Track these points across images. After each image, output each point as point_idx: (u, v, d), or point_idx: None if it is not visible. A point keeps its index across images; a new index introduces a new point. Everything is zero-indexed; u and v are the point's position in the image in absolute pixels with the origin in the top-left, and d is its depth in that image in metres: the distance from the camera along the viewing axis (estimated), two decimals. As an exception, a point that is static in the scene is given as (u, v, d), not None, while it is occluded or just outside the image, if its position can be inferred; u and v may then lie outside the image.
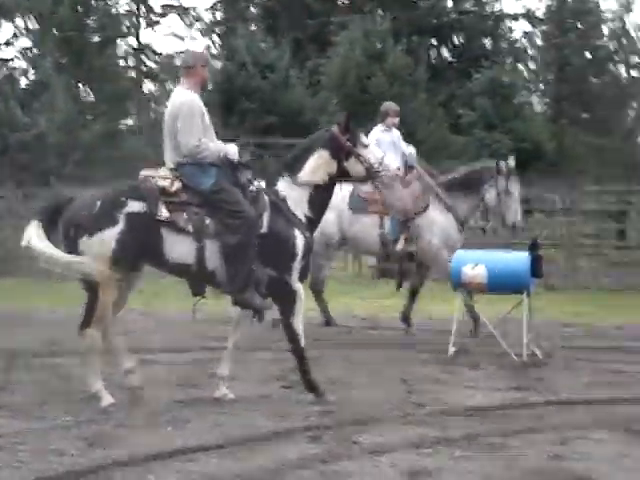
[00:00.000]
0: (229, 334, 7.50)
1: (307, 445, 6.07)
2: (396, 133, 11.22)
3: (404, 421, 6.70)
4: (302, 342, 7.24)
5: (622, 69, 51.52)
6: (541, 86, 45.09)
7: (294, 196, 7.33)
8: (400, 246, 10.68)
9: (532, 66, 45.31)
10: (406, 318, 11.13)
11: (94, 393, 7.01)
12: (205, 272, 7.09)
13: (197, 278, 7.20)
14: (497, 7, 43.93)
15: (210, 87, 38.59)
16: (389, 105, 11.59)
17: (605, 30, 46.02)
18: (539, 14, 43.75)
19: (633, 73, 52.51)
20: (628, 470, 5.60)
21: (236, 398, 7.34)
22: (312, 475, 5.43)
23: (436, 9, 41.59)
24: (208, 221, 7.04)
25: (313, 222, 7.46)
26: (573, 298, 14.70)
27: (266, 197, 7.27)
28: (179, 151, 7.17)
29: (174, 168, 7.20)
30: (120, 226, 6.87)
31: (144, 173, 7.22)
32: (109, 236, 6.87)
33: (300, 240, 7.22)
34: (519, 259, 9.32)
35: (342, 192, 10.55)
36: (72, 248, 6.94)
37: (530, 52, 45.52)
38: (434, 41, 42.13)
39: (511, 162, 10.79)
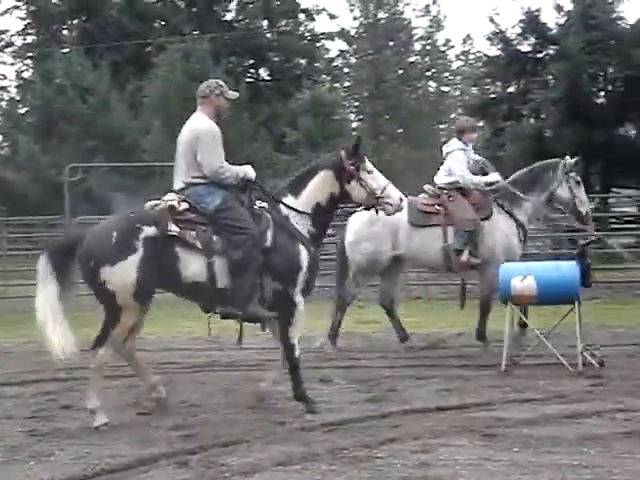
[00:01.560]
0: None
1: (175, 471, 6.04)
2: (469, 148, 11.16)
3: (268, 440, 6.73)
4: (297, 353, 7.64)
5: (433, 85, 53.33)
6: (356, 103, 46.19)
7: (296, 213, 7.68)
8: (464, 258, 10.55)
9: (348, 84, 46.34)
10: (482, 335, 10.82)
11: (90, 410, 7.25)
12: (216, 289, 7.37)
13: (209, 297, 7.48)
14: (311, 26, 44.63)
15: (24, 111, 37.75)
16: (466, 121, 11.54)
17: (417, 47, 47.62)
18: (353, 33, 44.83)
19: (444, 88, 54.41)
20: (491, 473, 5.79)
21: (95, 428, 7.21)
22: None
23: (252, 30, 41.91)
24: (215, 238, 7.36)
25: (317, 238, 7.78)
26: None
27: (269, 215, 7.62)
28: (193, 173, 7.57)
29: (181, 189, 7.60)
30: (140, 252, 7.16)
31: (150, 204, 7.56)
32: (131, 263, 7.14)
33: (304, 254, 7.57)
34: (568, 269, 9.15)
35: None
36: (93, 279, 7.22)
37: (346, 70, 46.55)
38: (252, 61, 42.47)
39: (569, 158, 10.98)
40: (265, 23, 42.97)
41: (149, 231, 7.22)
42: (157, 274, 7.24)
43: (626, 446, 6.25)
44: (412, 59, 49.71)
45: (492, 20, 28.09)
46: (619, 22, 26.52)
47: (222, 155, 7.59)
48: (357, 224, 10.83)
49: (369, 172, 7.76)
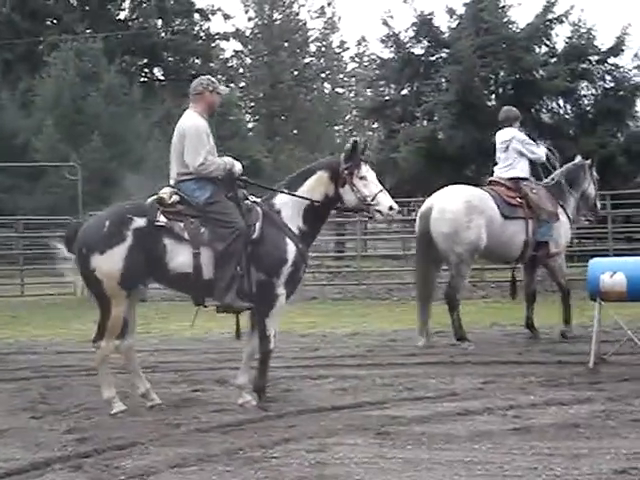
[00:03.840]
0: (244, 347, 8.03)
1: (69, 474, 5.96)
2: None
3: (163, 442, 6.68)
4: (271, 345, 7.80)
5: (328, 86, 53.60)
6: (252, 104, 46.18)
7: (290, 209, 7.82)
8: (554, 249, 11.01)
9: (243, 84, 46.29)
10: (531, 326, 11.33)
11: (105, 400, 7.59)
12: (202, 281, 7.53)
13: (195, 288, 7.64)
14: (206, 26, 44.40)
15: None
16: (514, 110, 11.94)
17: (313, 48, 47.85)
18: (248, 33, 44.80)
19: (339, 90, 54.73)
20: (385, 471, 5.84)
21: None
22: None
23: (147, 29, 41.55)
24: (203, 229, 7.53)
25: (307, 235, 7.89)
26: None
27: (259, 208, 7.78)
28: (182, 169, 7.72)
29: (176, 183, 7.76)
30: (128, 242, 7.37)
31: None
32: (119, 252, 7.36)
33: (291, 248, 7.69)
34: None
35: (488, 199, 10.71)
36: (85, 266, 7.46)
37: (241, 70, 46.51)
38: (146, 61, 42.10)
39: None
40: (159, 22, 42.63)
41: (139, 222, 7.42)
42: (144, 264, 7.44)
43: (516, 442, 6.37)
44: (307, 60, 49.91)
45: (386, 23, 28.36)
46: (510, 26, 27.07)
47: (205, 151, 7.68)
48: (451, 213, 10.67)
49: (361, 178, 7.81)
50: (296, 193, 7.88)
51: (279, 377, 9.09)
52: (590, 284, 9.01)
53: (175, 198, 7.63)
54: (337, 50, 51.97)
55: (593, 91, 27.34)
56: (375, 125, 43.14)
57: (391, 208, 7.81)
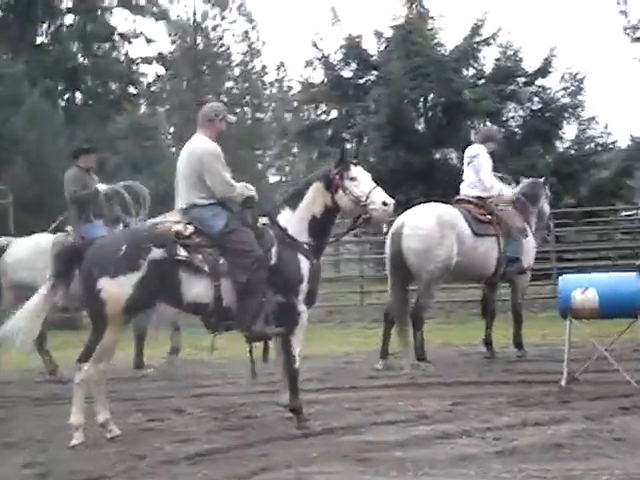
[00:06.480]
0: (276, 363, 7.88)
1: (37, 513, 5.56)
2: None
3: (131, 475, 6.31)
4: (297, 363, 7.66)
5: (249, 111, 53.42)
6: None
7: (294, 226, 7.66)
8: (526, 265, 10.96)
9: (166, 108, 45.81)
10: (489, 344, 11.16)
11: (73, 425, 7.19)
12: (221, 310, 7.39)
13: (214, 316, 7.48)
14: (128, 50, 43.81)
15: None
16: (494, 131, 12.10)
17: (236, 72, 47.60)
18: (171, 57, 44.29)
19: (259, 115, 54.60)
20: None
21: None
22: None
23: (67, 53, 40.81)
24: (222, 260, 7.36)
25: (315, 249, 7.73)
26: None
27: (271, 232, 7.62)
28: (197, 193, 7.52)
29: (185, 209, 7.55)
30: (142, 272, 7.14)
31: (155, 220, 7.74)
32: (131, 280, 7.11)
33: (305, 264, 7.58)
34: (631, 280, 8.77)
35: (458, 216, 10.53)
36: (90, 285, 7.18)
37: (164, 95, 45.97)
38: (67, 85, 41.31)
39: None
40: (80, 47, 41.91)
41: (157, 253, 7.21)
42: (155, 294, 7.30)
43: (503, 466, 6.13)
44: (230, 84, 49.63)
45: (315, 45, 28.20)
46: (439, 48, 27.14)
47: (228, 175, 7.61)
48: (423, 230, 10.45)
49: (352, 179, 7.67)
50: (299, 209, 7.74)
51: (239, 404, 8.76)
52: (561, 301, 8.84)
53: (190, 229, 7.41)
54: (259, 75, 51.78)
55: (521, 112, 27.51)
56: (295, 150, 43.12)
57: (385, 203, 7.64)
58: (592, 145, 27.11)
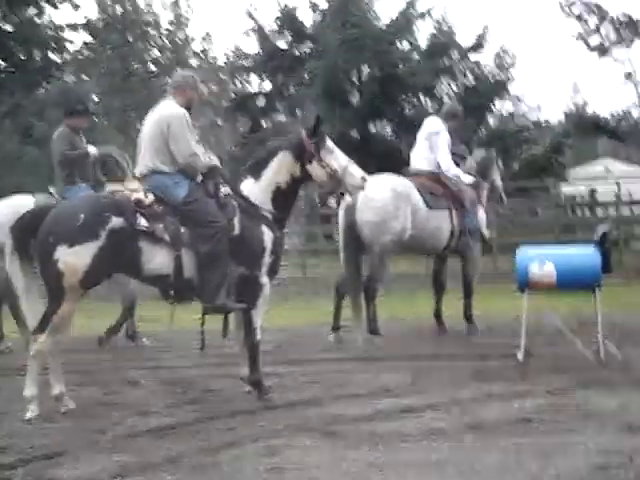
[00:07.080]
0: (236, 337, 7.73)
1: (0, 487, 5.36)
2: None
3: (94, 450, 6.11)
4: (258, 336, 7.46)
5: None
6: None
7: (257, 196, 7.47)
8: (488, 236, 11.05)
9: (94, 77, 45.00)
10: (439, 317, 11.24)
11: (27, 397, 6.99)
12: (182, 281, 7.17)
13: (174, 287, 7.25)
14: (54, 16, 42.95)
15: None
16: (460, 110, 11.59)
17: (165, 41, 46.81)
18: (99, 25, 43.42)
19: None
20: (351, 474, 5.45)
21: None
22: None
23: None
24: (183, 230, 7.15)
25: (279, 220, 7.56)
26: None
27: (234, 202, 7.40)
28: (160, 158, 7.32)
29: (144, 175, 7.37)
30: (101, 241, 6.89)
31: (112, 188, 7.61)
32: (87, 250, 6.87)
33: (268, 235, 7.37)
34: (589, 254, 8.64)
35: (412, 189, 10.38)
36: (47, 255, 6.92)
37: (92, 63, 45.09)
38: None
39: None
40: (3, 11, 40.86)
41: (116, 222, 6.96)
42: (113, 265, 7.11)
43: (475, 439, 6.08)
44: (157, 54, 48.90)
45: (250, 15, 27.93)
46: (375, 21, 27.06)
47: (194, 142, 7.43)
48: (378, 202, 10.21)
49: (330, 152, 7.54)
50: (262, 178, 7.53)
51: (194, 376, 8.60)
52: (519, 274, 8.73)
53: (151, 197, 7.20)
54: (184, 43, 51.03)
55: (455, 87, 27.62)
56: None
57: (364, 179, 7.60)
58: (524, 121, 27.39)
